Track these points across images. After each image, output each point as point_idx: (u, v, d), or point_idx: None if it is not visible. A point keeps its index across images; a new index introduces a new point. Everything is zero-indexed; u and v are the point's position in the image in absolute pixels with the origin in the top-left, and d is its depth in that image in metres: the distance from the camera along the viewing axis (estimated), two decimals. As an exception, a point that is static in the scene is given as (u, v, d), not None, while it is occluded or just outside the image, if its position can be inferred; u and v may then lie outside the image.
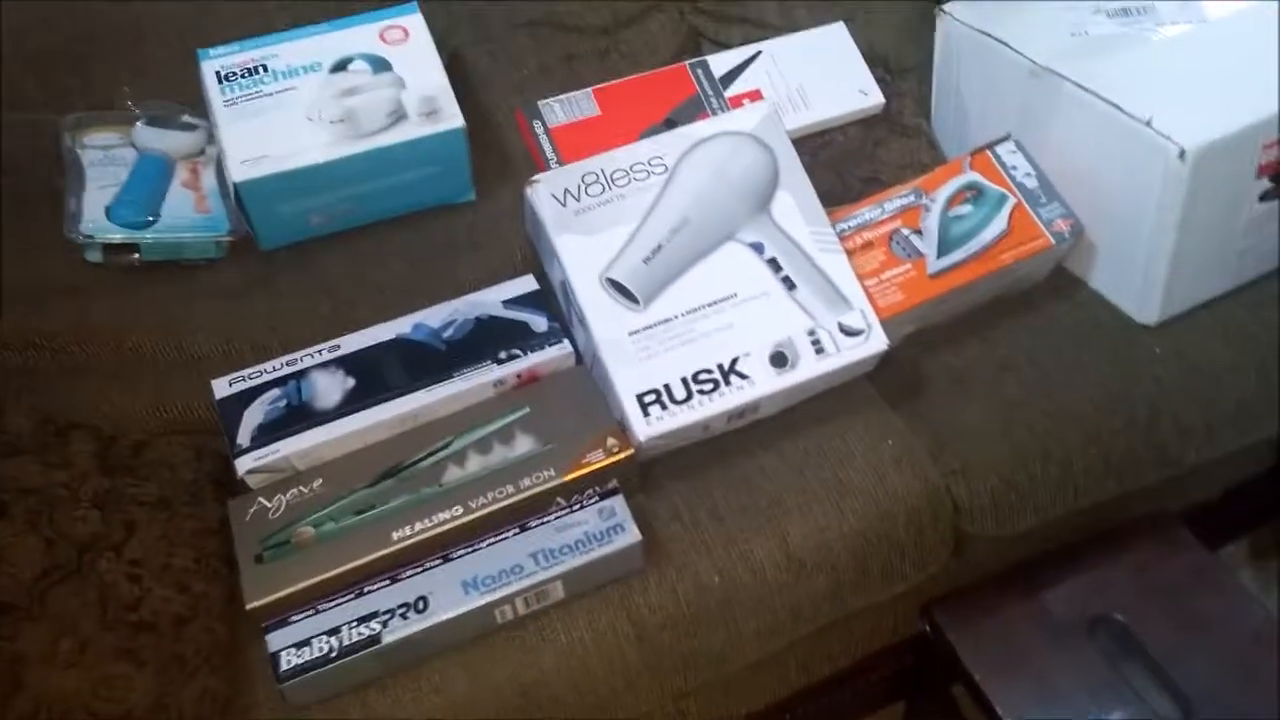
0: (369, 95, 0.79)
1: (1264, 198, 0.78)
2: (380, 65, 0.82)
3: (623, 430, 0.73)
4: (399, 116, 0.79)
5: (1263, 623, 0.80)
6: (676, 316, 0.74)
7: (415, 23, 0.84)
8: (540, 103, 0.87)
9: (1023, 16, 0.88)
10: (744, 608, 0.73)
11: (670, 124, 0.87)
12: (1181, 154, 0.72)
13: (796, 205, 0.77)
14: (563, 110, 0.87)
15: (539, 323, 0.79)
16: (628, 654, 0.71)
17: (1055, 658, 0.80)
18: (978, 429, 0.79)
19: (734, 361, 0.73)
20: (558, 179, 0.77)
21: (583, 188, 0.76)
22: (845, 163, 0.90)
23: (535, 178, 0.76)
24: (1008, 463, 0.78)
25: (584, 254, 0.75)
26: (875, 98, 0.92)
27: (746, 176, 0.78)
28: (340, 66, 0.82)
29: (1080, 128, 0.81)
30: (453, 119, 0.79)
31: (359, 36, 0.83)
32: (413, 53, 0.82)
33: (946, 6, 0.91)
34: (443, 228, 0.85)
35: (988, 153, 0.85)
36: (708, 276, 0.75)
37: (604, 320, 0.74)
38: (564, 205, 0.76)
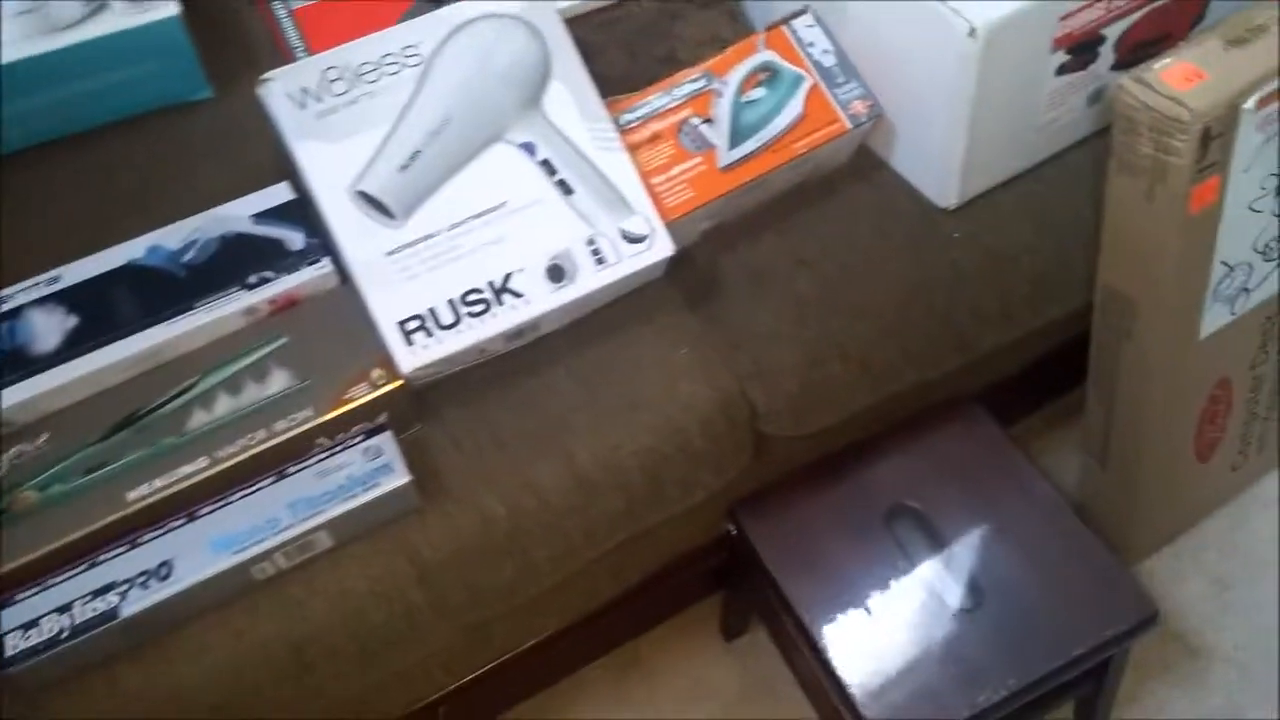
0: (59, -22, 0.67)
1: (1061, 71, 0.75)
2: (74, -59, 0.69)
3: (390, 360, 0.67)
4: (100, 5, 0.67)
5: (1051, 504, 0.82)
6: (439, 232, 0.67)
7: (124, -115, 0.71)
8: (281, -22, 0.76)
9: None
10: (533, 536, 0.70)
11: (438, 1, 0.78)
12: (972, 31, 0.68)
13: (572, 97, 0.70)
14: (308, -14, 0.76)
15: (295, 239, 0.71)
16: (410, 596, 0.68)
17: (852, 551, 0.80)
18: (773, 329, 0.76)
19: (506, 278, 0.67)
20: (294, 76, 0.67)
21: (325, 85, 0.67)
22: (639, 40, 0.83)
23: (266, 75, 0.67)
24: (803, 363, 0.76)
25: (329, 163, 0.66)
26: (663, -26, 0.84)
27: (515, 64, 0.70)
28: (24, -58, 0.69)
29: (876, 2, 0.75)
30: (164, 6, 0.68)
31: (47, -97, 0.70)
32: (114, -77, 0.70)
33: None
34: (177, 131, 0.75)
35: (784, 29, 0.79)
36: (474, 184, 0.68)
37: (356, 240, 0.66)
38: (303, 107, 0.67)
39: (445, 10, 0.69)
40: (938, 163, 0.78)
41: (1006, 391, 0.91)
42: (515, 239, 0.68)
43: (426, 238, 0.67)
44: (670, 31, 0.84)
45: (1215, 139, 0.69)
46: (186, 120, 0.75)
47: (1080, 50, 0.75)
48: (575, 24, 0.81)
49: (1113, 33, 0.75)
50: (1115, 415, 0.88)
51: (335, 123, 0.67)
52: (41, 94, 0.68)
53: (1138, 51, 0.78)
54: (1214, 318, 0.82)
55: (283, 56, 0.75)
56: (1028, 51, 0.72)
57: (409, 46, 0.68)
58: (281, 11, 0.75)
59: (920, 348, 0.79)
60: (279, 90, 0.66)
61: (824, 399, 0.77)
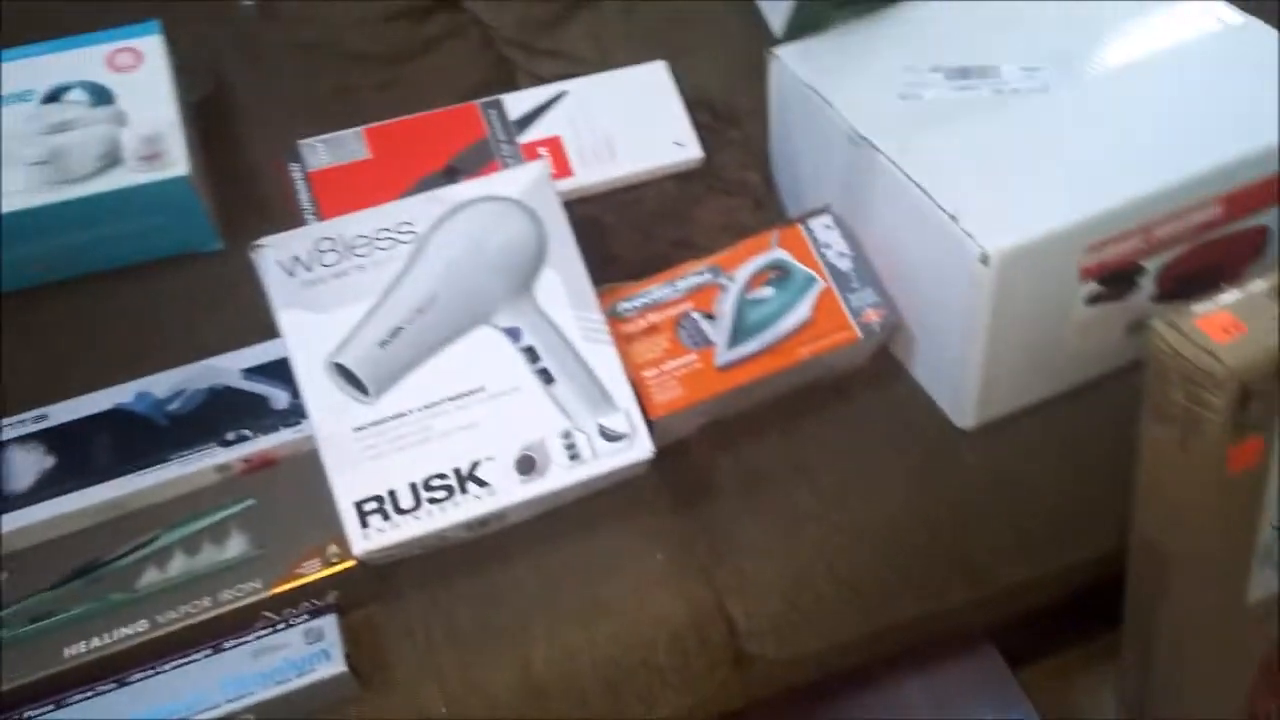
0: (78, 133, 0.70)
1: (1093, 300, 0.72)
2: (101, 96, 0.73)
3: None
4: (112, 160, 0.70)
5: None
6: (412, 411, 0.66)
7: (152, 46, 0.75)
8: (302, 142, 0.78)
9: (856, 69, 0.80)
10: (473, 742, 0.67)
11: (451, 173, 0.79)
12: (984, 258, 0.65)
13: (563, 285, 0.70)
14: (327, 151, 0.78)
15: (280, 398, 0.71)
16: (332, 792, 0.65)
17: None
18: (762, 541, 0.72)
19: (474, 466, 0.66)
20: (287, 244, 0.68)
21: (317, 255, 0.68)
22: (655, 223, 0.83)
23: (261, 241, 0.68)
24: (791, 581, 0.72)
25: (311, 333, 0.67)
26: (691, 150, 0.84)
27: (508, 250, 0.70)
28: (54, 96, 0.73)
29: (895, 209, 0.73)
30: (175, 165, 0.71)
31: (84, 60, 0.74)
32: (143, 82, 0.74)
33: (778, 49, 0.83)
34: (184, 281, 0.77)
35: (799, 227, 0.78)
36: (453, 365, 0.68)
37: (326, 412, 0.66)
38: (292, 275, 0.67)
39: (445, 190, 0.70)
40: (954, 380, 0.75)
41: (1024, 631, 0.84)
42: (488, 425, 0.67)
43: (397, 416, 0.66)
44: (689, 215, 0.83)
45: (1255, 399, 0.64)
46: (194, 270, 0.77)
47: (1115, 281, 0.71)
48: (592, 203, 0.82)
49: (1154, 264, 0.72)
50: (1153, 678, 0.80)
51: (322, 293, 0.67)
52: (49, 240, 0.71)
53: (1184, 285, 0.74)
54: (1263, 582, 0.74)
55: (293, 217, 0.77)
56: (1051, 280, 0.69)
57: (405, 224, 0.69)
58: (297, 173, 0.78)
59: (923, 577, 0.74)
60: (271, 257, 0.68)
61: (811, 622, 0.73)
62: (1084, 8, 0.81)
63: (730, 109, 0.88)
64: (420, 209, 0.70)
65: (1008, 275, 0.67)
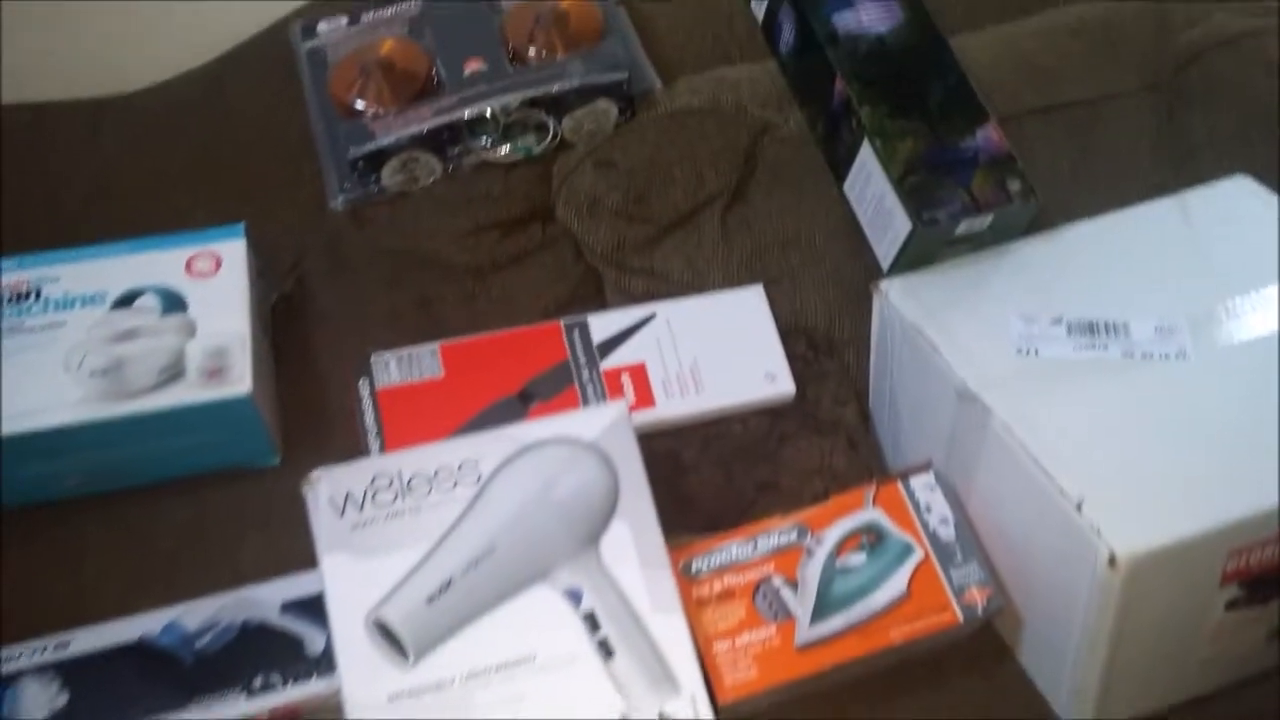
0: (143, 343, 0.68)
1: (1232, 605, 0.63)
2: (173, 303, 0.71)
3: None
4: (175, 373, 0.68)
5: None
6: (453, 680, 0.60)
7: (234, 251, 0.73)
8: (374, 356, 0.75)
9: (968, 313, 0.74)
10: None
11: (526, 397, 0.75)
12: (1112, 560, 0.57)
13: (634, 541, 0.64)
14: (399, 368, 0.75)
15: (316, 641, 0.66)
16: None
17: None
18: None
19: (516, 748, 0.59)
20: (341, 479, 0.64)
21: (370, 493, 0.64)
22: (739, 462, 0.77)
23: (314, 474, 0.64)
24: None
25: (354, 582, 0.62)
26: (783, 385, 0.78)
27: (578, 500, 0.64)
28: (126, 300, 0.71)
29: (1007, 480, 0.66)
30: (238, 382, 0.68)
31: (162, 264, 0.72)
32: (219, 289, 0.72)
33: (883, 282, 0.78)
34: (233, 497, 0.73)
35: (898, 484, 0.71)
36: (504, 628, 0.61)
37: (359, 677, 0.60)
38: (341, 514, 0.63)
39: (515, 428, 0.65)
40: (1069, 678, 0.66)
41: None
42: (536, 701, 0.60)
43: (437, 686, 0.60)
44: (777, 455, 0.77)
45: None
46: (245, 486, 0.74)
47: (1260, 585, 0.63)
48: (671, 436, 0.77)
49: (1305, 567, 0.63)
50: None
51: (371, 536, 0.62)
52: (103, 453, 0.69)
53: (1338, 586, 0.65)
54: None
55: (355, 437, 0.73)
56: (1188, 584, 0.61)
57: (468, 462, 0.64)
58: (365, 390, 0.74)
59: None
60: (323, 493, 0.63)
61: None
62: (1229, 261, 0.75)
63: (829, 339, 0.82)
64: (486, 447, 0.65)
65: (1138, 579, 0.59)
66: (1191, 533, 0.58)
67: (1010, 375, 0.70)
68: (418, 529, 0.63)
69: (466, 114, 0.78)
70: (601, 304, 0.84)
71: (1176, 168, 0.90)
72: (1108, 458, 0.63)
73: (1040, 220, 0.84)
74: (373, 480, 0.64)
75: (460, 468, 0.65)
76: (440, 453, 0.65)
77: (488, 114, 0.79)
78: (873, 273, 0.79)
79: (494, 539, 0.63)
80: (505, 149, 0.81)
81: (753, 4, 0.93)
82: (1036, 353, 0.71)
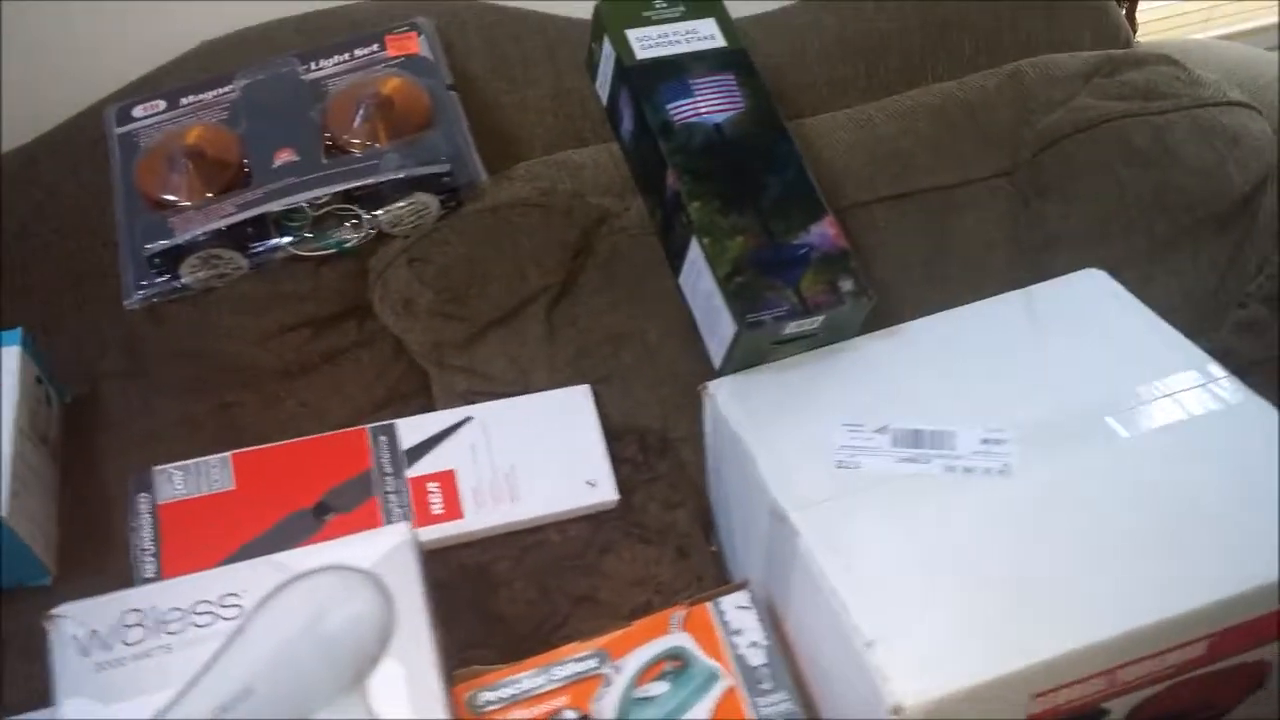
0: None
1: (1045, 742, 0.60)
2: (-71, 418, 0.67)
3: None
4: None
5: None
6: (195, 838, 0.56)
7: (7, 360, 0.69)
8: (156, 469, 0.71)
9: (794, 419, 0.71)
10: None
11: (322, 510, 0.71)
12: (897, 709, 0.54)
13: (406, 681, 0.59)
14: (184, 481, 0.71)
15: (72, 780, 0.62)
16: None
17: None
18: None
19: None
20: (87, 615, 0.59)
21: (120, 631, 0.59)
22: (556, 573, 0.73)
23: (57, 610, 0.59)
24: None
25: (93, 730, 0.57)
26: (605, 492, 0.75)
27: (346, 636, 0.60)
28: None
29: (812, 605, 0.63)
30: (-8, 506, 0.63)
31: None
32: (-15, 402, 0.68)
33: (712, 384, 0.75)
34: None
35: (709, 607, 0.67)
36: (255, 779, 0.57)
37: (90, 835, 0.56)
38: (86, 654, 0.58)
39: (286, 555, 0.61)
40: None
41: None
42: None
43: (176, 845, 0.56)
44: (597, 566, 0.73)
45: None
46: (14, 605, 0.69)
47: (1073, 721, 0.60)
48: (483, 547, 0.73)
49: (1122, 706, 0.60)
50: None
51: (117, 679, 0.58)
52: None
53: (1162, 721, 0.62)
54: None
55: (131, 556, 0.68)
56: (988, 725, 0.58)
57: (230, 595, 0.60)
58: (143, 506, 0.69)
59: None
60: (67, 630, 0.59)
61: None
62: (1069, 363, 0.72)
63: (663, 440, 0.79)
64: (251, 576, 0.61)
65: (930, 726, 0.55)
66: (986, 678, 0.55)
67: (824, 493, 0.66)
68: (169, 670, 0.58)
69: (272, 208, 0.75)
70: (428, 404, 0.80)
71: (1032, 258, 0.88)
72: (910, 591, 0.59)
73: (893, 312, 0.81)
74: (123, 615, 0.60)
75: (222, 600, 0.60)
76: (201, 583, 0.61)
77: (298, 207, 0.76)
78: (711, 370, 0.77)
79: (251, 680, 0.58)
80: (317, 244, 0.77)
81: (597, 87, 0.91)
82: (857, 465, 0.69)
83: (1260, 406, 0.67)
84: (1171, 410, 0.67)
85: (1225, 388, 0.68)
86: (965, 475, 0.66)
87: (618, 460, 0.76)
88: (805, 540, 0.63)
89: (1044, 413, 0.69)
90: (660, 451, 0.79)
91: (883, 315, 0.79)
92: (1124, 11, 1.22)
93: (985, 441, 0.68)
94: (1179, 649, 0.58)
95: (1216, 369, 0.70)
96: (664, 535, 0.75)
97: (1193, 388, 0.69)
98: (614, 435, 0.78)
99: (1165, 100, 0.93)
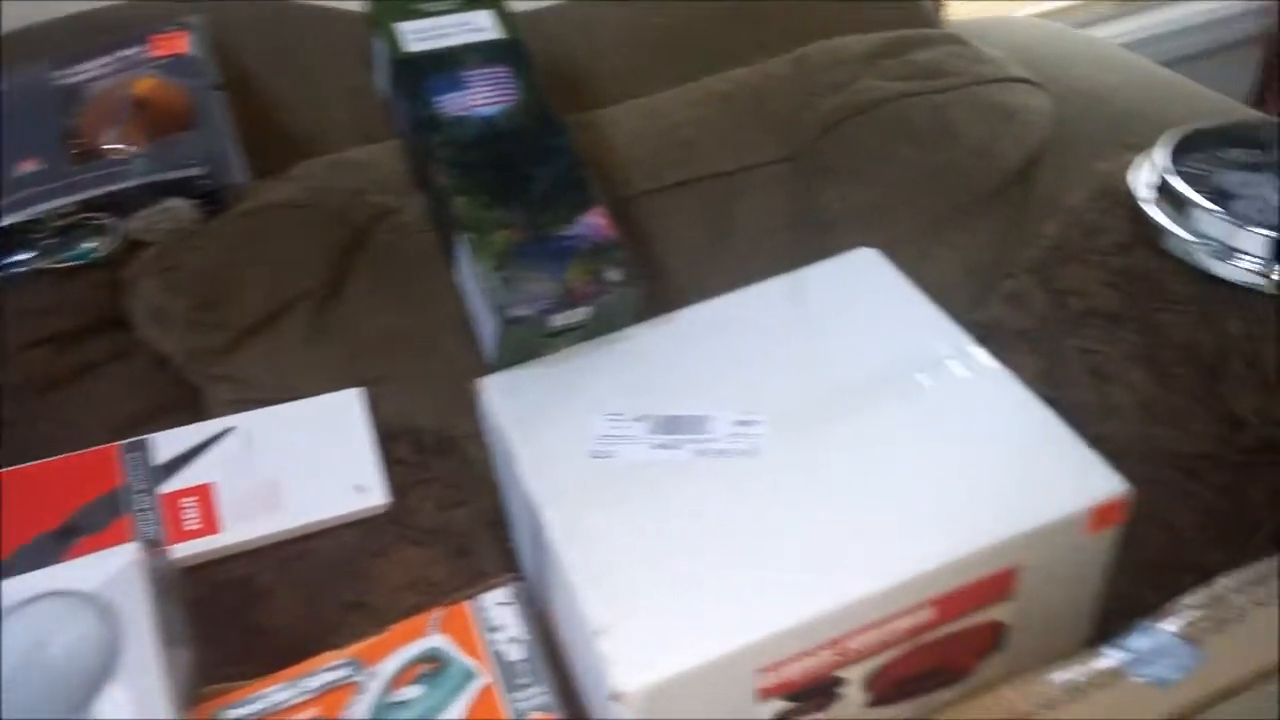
0: None
1: (789, 716, 0.61)
2: None
3: None
4: None
5: None
6: None
7: None
8: (-113, 499, 0.68)
9: (559, 412, 0.71)
10: None
11: (69, 533, 0.69)
12: (615, 694, 0.54)
13: (133, 705, 0.58)
14: (-83, 510, 0.68)
15: None
16: None
17: None
18: None
19: None
20: None
21: None
22: (322, 582, 0.71)
23: None
24: None
25: None
26: (374, 496, 0.74)
27: (66, 665, 0.58)
28: None
29: (561, 596, 0.63)
30: None
31: None
32: None
33: (482, 381, 0.74)
34: None
35: (468, 606, 0.67)
36: (-31, 816, 0.56)
37: None
38: None
39: (6, 582, 0.59)
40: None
41: None
42: None
43: None
44: (368, 572, 0.72)
45: None
46: None
47: (809, 695, 0.60)
48: (246, 560, 0.71)
49: (857, 673, 0.61)
50: None
51: None
52: None
53: (903, 687, 0.63)
54: None
55: None
56: (721, 706, 0.58)
57: (-56, 626, 0.58)
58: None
59: None
60: None
61: None
62: (833, 343, 0.73)
63: (441, 439, 0.78)
64: (-32, 599, 0.59)
65: (654, 710, 0.56)
66: (707, 659, 0.55)
67: (576, 485, 0.66)
68: (-125, 708, 0.56)
69: (9, 220, 0.72)
70: (199, 416, 0.78)
71: (814, 241, 0.90)
72: (645, 578, 0.59)
73: (676, 300, 0.81)
74: None
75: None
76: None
77: (39, 218, 0.73)
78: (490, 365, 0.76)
79: (-36, 714, 0.57)
80: (64, 255, 0.75)
81: (375, 79, 0.89)
82: (612, 455, 0.69)
83: (1003, 377, 0.69)
84: (923, 385, 0.69)
85: (976, 361, 0.70)
86: (716, 458, 0.66)
87: (391, 462, 0.75)
88: (551, 532, 0.63)
89: (801, 392, 0.70)
90: (439, 450, 0.78)
91: (666, 303, 0.79)
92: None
93: (739, 424, 0.69)
94: (906, 615, 0.59)
95: (970, 343, 0.72)
96: (439, 536, 0.75)
97: (945, 361, 0.70)
98: (389, 437, 0.77)
99: (946, 79, 0.95)
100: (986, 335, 0.84)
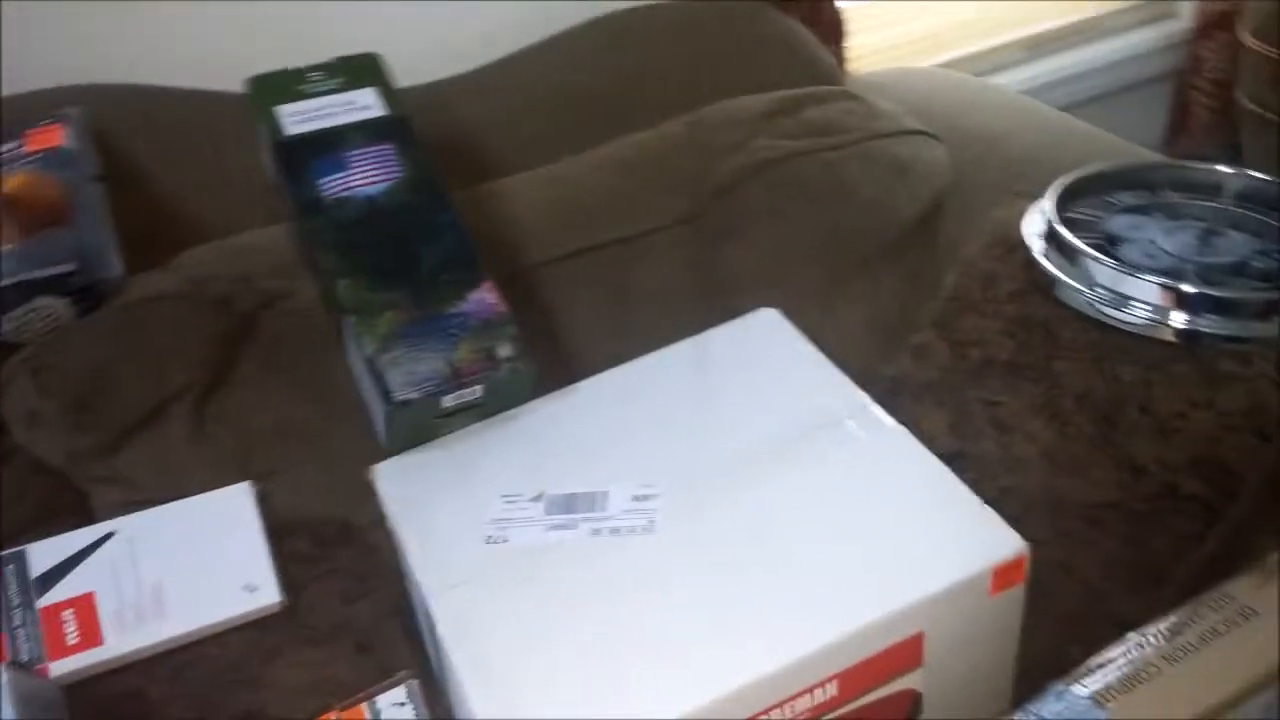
0: None
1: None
2: None
3: None
4: None
5: None
6: None
7: None
8: None
9: (457, 496, 0.68)
10: None
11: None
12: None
13: (-3, 843, 0.55)
14: None
15: None
16: None
17: None
18: None
19: None
20: None
21: None
22: (215, 690, 0.68)
23: None
24: None
25: None
26: (267, 596, 0.71)
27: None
28: None
29: (456, 690, 0.60)
30: None
31: None
32: None
33: (376, 468, 0.72)
34: None
35: (363, 708, 0.64)
36: None
37: None
38: None
39: None
40: None
41: None
42: None
43: None
44: (262, 676, 0.69)
45: None
46: None
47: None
48: (135, 672, 0.68)
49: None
50: None
51: None
52: None
53: (816, 767, 0.62)
54: None
55: None
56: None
57: None
58: None
59: None
60: None
61: None
62: (734, 409, 0.72)
63: (342, 529, 0.76)
64: None
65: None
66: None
67: (468, 573, 0.64)
68: None
69: None
70: (87, 520, 0.75)
71: (715, 303, 0.89)
72: (535, 671, 0.57)
73: (576, 371, 0.80)
74: None
75: None
76: None
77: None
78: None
79: None
80: (-70, 360, 0.72)
81: (264, 159, 0.88)
82: (506, 540, 0.67)
83: (903, 438, 0.68)
84: (822, 449, 0.68)
85: (876, 421, 0.69)
86: (611, 537, 0.65)
87: (286, 558, 0.72)
88: (441, 627, 0.61)
89: (701, 461, 0.69)
90: (340, 541, 0.75)
91: (567, 375, 0.78)
92: (834, 47, 1.27)
93: (636, 499, 0.67)
94: (811, 691, 0.58)
95: (869, 403, 0.71)
96: (340, 632, 0.72)
97: (844, 423, 0.69)
98: (285, 531, 0.74)
99: (840, 135, 0.96)
100: (896, 390, 0.85)
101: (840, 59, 1.27)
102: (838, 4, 1.23)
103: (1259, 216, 0.86)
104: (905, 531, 0.62)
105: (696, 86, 1.06)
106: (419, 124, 0.84)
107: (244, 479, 0.75)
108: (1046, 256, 0.81)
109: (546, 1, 1.14)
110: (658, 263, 0.88)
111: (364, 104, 0.86)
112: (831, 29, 1.23)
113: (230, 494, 0.74)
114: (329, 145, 0.82)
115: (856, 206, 0.90)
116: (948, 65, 1.55)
